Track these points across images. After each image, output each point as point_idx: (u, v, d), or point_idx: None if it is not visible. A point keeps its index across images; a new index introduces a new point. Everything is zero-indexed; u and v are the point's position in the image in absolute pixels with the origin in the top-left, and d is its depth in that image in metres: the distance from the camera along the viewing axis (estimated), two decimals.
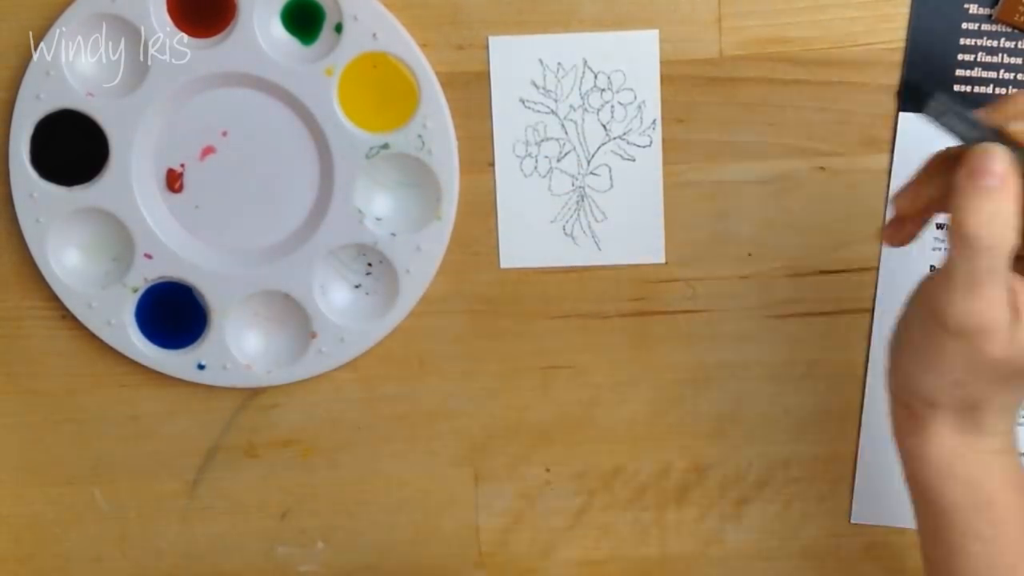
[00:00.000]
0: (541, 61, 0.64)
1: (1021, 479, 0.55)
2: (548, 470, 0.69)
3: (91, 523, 0.70)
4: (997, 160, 0.48)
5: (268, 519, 0.69)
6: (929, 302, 0.50)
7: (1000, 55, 0.62)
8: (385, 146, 0.64)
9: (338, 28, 0.63)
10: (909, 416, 0.54)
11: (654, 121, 0.64)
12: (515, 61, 0.64)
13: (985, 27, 0.62)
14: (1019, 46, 0.62)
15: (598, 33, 0.63)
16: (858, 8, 0.63)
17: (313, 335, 0.66)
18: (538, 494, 0.69)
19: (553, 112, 0.64)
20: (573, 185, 0.65)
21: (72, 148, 0.64)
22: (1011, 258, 0.48)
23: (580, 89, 0.64)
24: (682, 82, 0.64)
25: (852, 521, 0.68)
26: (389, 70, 0.63)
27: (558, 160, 0.65)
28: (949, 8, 0.62)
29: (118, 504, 0.70)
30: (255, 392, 0.68)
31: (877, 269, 0.65)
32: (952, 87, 0.63)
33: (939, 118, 0.50)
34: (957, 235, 0.48)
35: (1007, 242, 0.48)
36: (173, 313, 0.66)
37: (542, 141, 0.65)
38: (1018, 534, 0.54)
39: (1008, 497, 0.54)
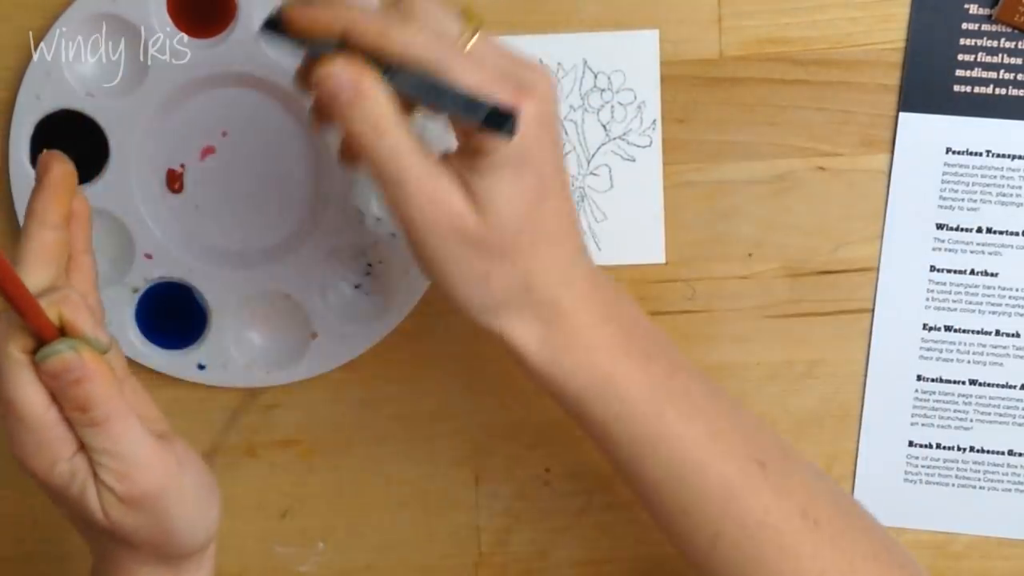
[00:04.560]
0: (541, 61, 0.64)
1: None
2: (547, 470, 0.69)
3: None
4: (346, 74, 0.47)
5: (268, 519, 0.69)
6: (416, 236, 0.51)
7: (1000, 55, 0.62)
8: None
9: None
10: (553, 330, 0.54)
11: (654, 121, 0.64)
12: None
13: (985, 27, 0.62)
14: (1019, 46, 0.62)
15: (598, 33, 0.63)
16: (858, 8, 0.63)
17: (313, 335, 0.66)
18: (537, 494, 0.69)
19: None
20: (573, 185, 0.65)
21: (72, 148, 0.64)
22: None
23: (580, 89, 0.64)
24: (682, 82, 0.64)
25: None
26: None
27: None
28: (949, 8, 0.62)
29: None
30: (255, 392, 0.68)
31: (877, 269, 0.65)
32: (952, 87, 0.63)
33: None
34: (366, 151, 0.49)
35: (406, 131, 0.49)
36: (173, 313, 0.66)
37: None
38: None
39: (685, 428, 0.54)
